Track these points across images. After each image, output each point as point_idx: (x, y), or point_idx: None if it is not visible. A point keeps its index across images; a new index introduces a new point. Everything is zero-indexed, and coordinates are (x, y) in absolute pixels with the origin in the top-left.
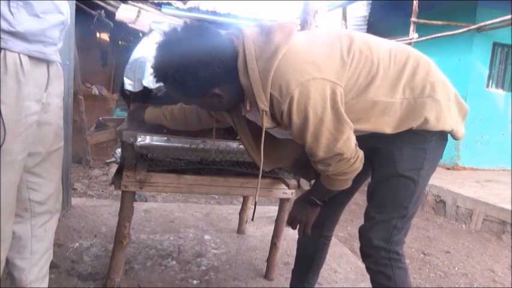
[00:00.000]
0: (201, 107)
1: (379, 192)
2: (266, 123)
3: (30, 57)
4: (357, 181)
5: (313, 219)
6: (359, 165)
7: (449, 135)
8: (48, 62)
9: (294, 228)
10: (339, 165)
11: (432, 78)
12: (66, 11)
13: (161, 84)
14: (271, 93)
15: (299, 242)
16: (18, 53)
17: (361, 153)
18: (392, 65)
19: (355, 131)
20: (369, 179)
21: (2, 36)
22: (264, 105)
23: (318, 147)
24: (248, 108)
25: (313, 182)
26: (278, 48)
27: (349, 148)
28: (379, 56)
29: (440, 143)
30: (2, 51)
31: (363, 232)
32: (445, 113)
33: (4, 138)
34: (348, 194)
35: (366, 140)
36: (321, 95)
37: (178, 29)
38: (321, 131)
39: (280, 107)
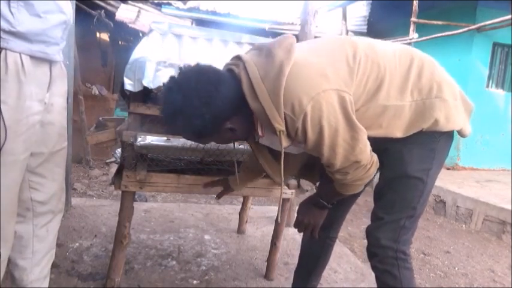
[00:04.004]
0: (218, 142)
1: (388, 192)
2: (284, 142)
3: (32, 57)
4: None
5: (321, 222)
6: (374, 169)
7: (455, 132)
8: (50, 62)
9: (300, 231)
10: (356, 173)
11: (438, 78)
12: (68, 10)
13: (161, 84)
14: (284, 113)
15: (304, 243)
16: (19, 53)
17: (375, 157)
18: (398, 67)
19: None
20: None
21: (2, 36)
22: (279, 125)
23: (335, 158)
24: (261, 133)
25: (317, 184)
26: (282, 66)
27: (365, 154)
28: (384, 59)
29: (447, 142)
30: (3, 51)
31: (370, 232)
32: (453, 113)
33: (5, 138)
34: (355, 195)
35: (374, 141)
36: (333, 106)
37: (176, 77)
38: (337, 142)
39: (295, 125)
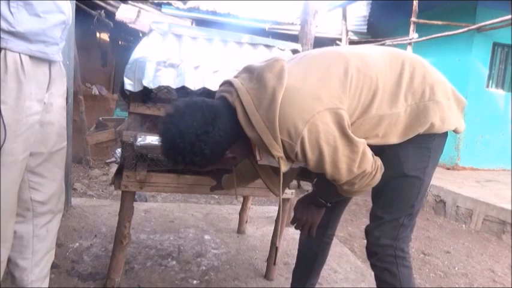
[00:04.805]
0: (220, 167)
1: (386, 192)
2: (283, 167)
3: (32, 57)
4: None
5: (319, 220)
6: (380, 174)
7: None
8: (50, 62)
9: (297, 228)
10: (363, 181)
11: (430, 80)
12: (67, 10)
13: (161, 84)
14: (281, 139)
15: (301, 242)
16: (19, 53)
17: (379, 162)
18: (390, 74)
19: None
20: None
21: (2, 36)
22: (278, 152)
23: (339, 174)
24: (259, 157)
25: (314, 181)
26: (275, 93)
27: (368, 163)
28: (376, 69)
29: (442, 139)
30: (2, 51)
31: (370, 231)
32: (447, 114)
33: (5, 138)
34: None
35: (370, 145)
36: (329, 125)
37: (171, 114)
38: (338, 159)
39: (293, 149)
